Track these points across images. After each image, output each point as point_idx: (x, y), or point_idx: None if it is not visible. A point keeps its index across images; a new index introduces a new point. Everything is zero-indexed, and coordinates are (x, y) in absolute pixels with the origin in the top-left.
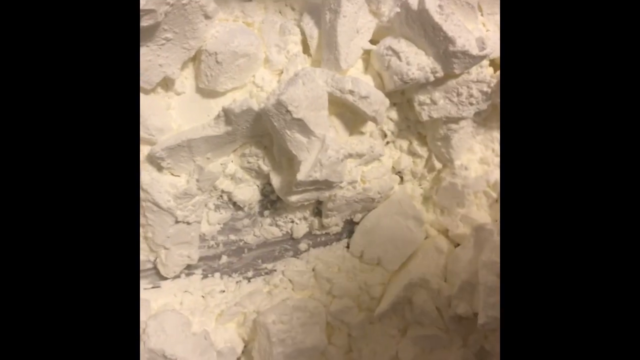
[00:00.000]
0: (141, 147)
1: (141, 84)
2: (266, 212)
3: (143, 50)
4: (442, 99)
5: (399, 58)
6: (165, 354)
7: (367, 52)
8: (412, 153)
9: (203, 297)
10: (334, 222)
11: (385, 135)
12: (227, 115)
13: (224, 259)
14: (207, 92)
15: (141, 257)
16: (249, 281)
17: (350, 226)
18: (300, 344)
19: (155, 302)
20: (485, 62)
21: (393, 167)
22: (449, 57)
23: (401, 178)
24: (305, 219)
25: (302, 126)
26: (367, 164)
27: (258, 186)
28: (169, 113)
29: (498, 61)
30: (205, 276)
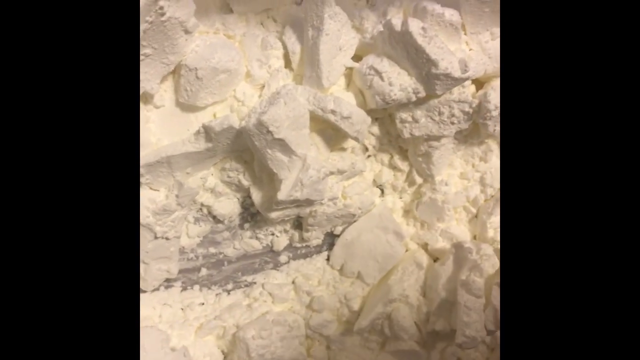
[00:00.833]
0: None
1: None
2: (246, 225)
3: None
4: (424, 118)
5: (382, 78)
6: None
7: (349, 69)
8: (393, 167)
9: (182, 309)
10: (315, 236)
11: (366, 149)
12: (207, 132)
13: (204, 271)
14: (186, 106)
15: None
16: (229, 294)
17: (330, 238)
18: (279, 359)
19: None
20: (468, 82)
21: (374, 180)
22: (432, 78)
23: (382, 191)
24: (285, 231)
25: (284, 146)
26: (348, 179)
27: (238, 199)
28: (148, 127)
29: (481, 80)
30: (184, 289)
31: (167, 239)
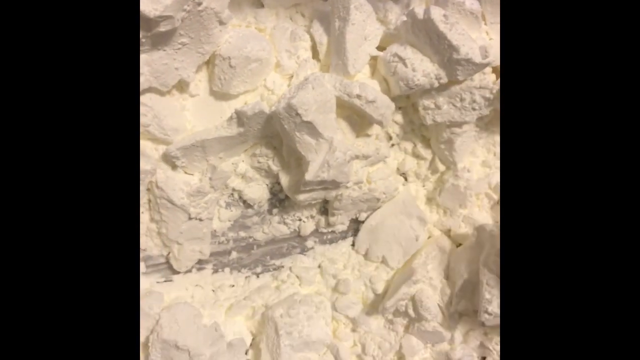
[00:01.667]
0: (156, 146)
1: (157, 86)
2: (275, 210)
3: (160, 54)
4: (446, 104)
5: (405, 64)
6: (177, 344)
7: (374, 58)
8: (416, 155)
9: (213, 291)
10: (340, 221)
11: (390, 138)
12: (239, 117)
13: (234, 254)
14: (220, 95)
15: (154, 252)
16: (258, 276)
17: (355, 225)
18: (306, 337)
19: (168, 295)
20: (488, 69)
21: (398, 169)
22: (453, 64)
23: (405, 179)
24: (312, 217)
25: (311, 128)
26: (372, 165)
27: (267, 185)
28: (184, 114)
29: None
30: (215, 271)
31: (200, 220)
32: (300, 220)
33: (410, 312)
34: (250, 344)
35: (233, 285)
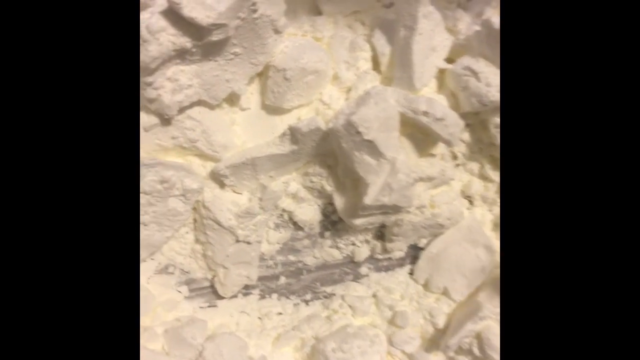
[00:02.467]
0: (204, 163)
1: (207, 99)
2: (327, 233)
3: (210, 65)
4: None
5: (478, 79)
6: None
7: (441, 71)
8: (484, 177)
9: (260, 318)
10: (398, 247)
11: (455, 157)
12: (293, 134)
13: (282, 279)
14: (272, 109)
15: (199, 275)
16: (307, 304)
17: (414, 251)
18: None
19: (212, 322)
20: None
21: (462, 191)
22: None
23: (471, 202)
24: (367, 242)
25: (372, 148)
26: (435, 187)
27: (319, 206)
28: (234, 129)
29: None
30: (262, 297)
31: (248, 243)
32: (354, 244)
33: (475, 350)
34: None
35: (281, 313)
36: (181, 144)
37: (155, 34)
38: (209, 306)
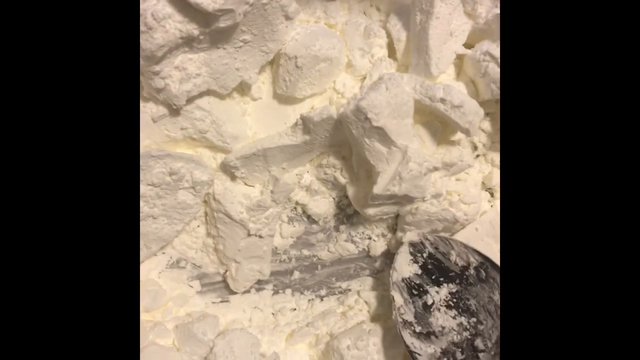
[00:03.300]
0: (215, 154)
1: (216, 89)
2: (342, 227)
3: (219, 52)
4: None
5: (498, 64)
6: None
7: (460, 57)
8: None
9: (273, 314)
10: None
11: (475, 148)
12: (305, 124)
13: (296, 274)
14: (284, 98)
15: (211, 270)
16: (322, 300)
17: None
18: None
19: (224, 318)
20: None
21: (483, 183)
22: None
23: (492, 195)
24: (383, 235)
25: (383, 135)
26: (454, 175)
27: (334, 199)
28: (245, 119)
29: None
30: (276, 292)
31: (260, 237)
32: (370, 238)
33: None
34: None
35: (295, 309)
36: (191, 135)
37: (161, 21)
38: (221, 301)
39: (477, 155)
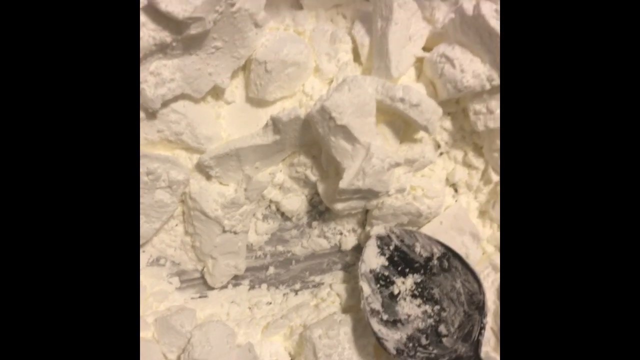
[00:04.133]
0: (190, 155)
1: (190, 93)
2: (314, 223)
3: (192, 58)
4: (499, 108)
5: (453, 65)
6: None
7: (419, 60)
8: (468, 164)
9: (250, 308)
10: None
11: (439, 146)
12: (275, 124)
13: (271, 270)
14: (256, 102)
15: (189, 267)
16: (296, 294)
17: None
18: None
19: (202, 312)
20: None
21: (447, 179)
22: None
23: (456, 190)
24: (354, 230)
25: (347, 133)
26: (418, 171)
27: (306, 196)
28: (219, 122)
29: None
30: (252, 287)
31: (235, 233)
32: (341, 234)
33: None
34: None
35: (270, 303)
36: (167, 137)
37: None
38: (199, 297)
39: (441, 153)
